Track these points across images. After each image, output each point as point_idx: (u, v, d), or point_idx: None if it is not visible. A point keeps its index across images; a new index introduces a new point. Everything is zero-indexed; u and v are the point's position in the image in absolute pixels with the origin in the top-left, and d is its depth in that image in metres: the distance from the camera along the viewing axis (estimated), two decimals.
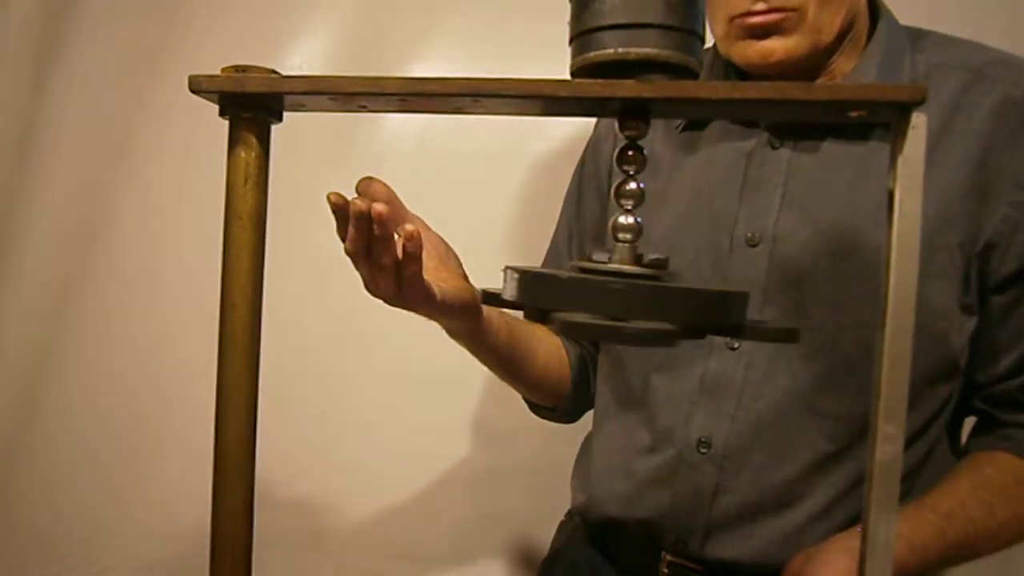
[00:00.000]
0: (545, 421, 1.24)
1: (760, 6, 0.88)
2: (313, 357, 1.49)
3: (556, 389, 1.17)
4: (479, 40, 1.52)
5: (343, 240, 0.81)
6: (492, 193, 1.50)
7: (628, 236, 0.55)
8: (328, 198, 0.78)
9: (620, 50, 0.50)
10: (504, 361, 1.07)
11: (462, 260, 0.95)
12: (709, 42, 0.88)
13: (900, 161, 0.51)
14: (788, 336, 0.55)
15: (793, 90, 0.50)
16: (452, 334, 0.98)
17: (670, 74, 0.51)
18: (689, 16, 0.51)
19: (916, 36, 0.97)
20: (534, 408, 1.23)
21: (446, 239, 0.95)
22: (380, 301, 0.87)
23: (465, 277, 0.94)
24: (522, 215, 1.50)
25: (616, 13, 0.50)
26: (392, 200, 0.84)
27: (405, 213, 0.87)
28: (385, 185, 0.84)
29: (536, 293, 0.51)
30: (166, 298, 1.56)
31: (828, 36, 0.89)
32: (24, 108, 1.63)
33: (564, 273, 0.52)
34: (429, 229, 0.92)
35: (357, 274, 0.85)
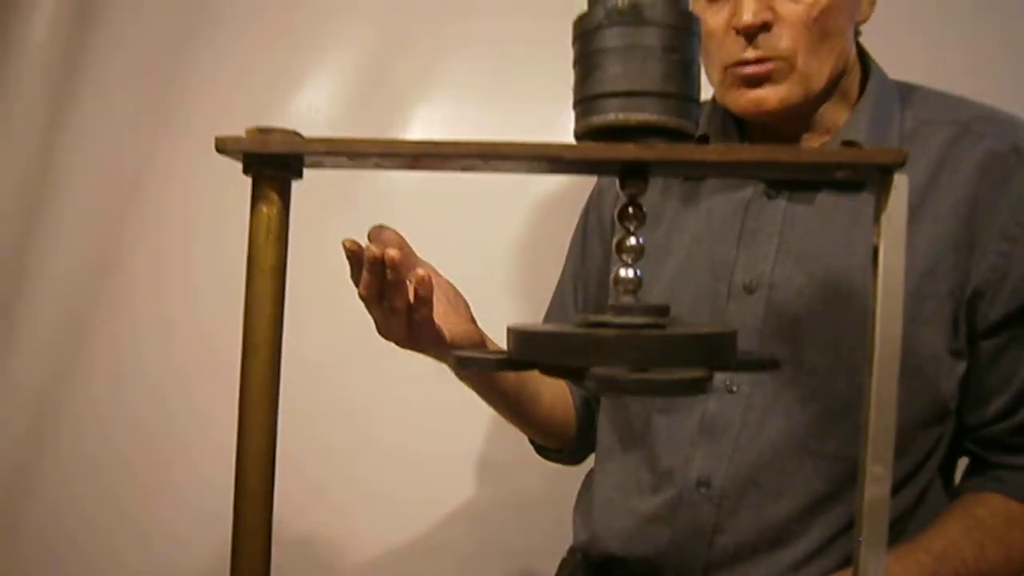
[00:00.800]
0: None
1: (751, 54, 0.92)
2: (320, 397, 1.52)
3: (562, 431, 1.20)
4: (483, 78, 1.57)
5: (356, 285, 0.85)
6: (496, 232, 1.54)
7: (629, 288, 0.58)
8: (343, 244, 0.82)
9: (621, 116, 0.54)
10: (511, 403, 1.11)
11: (470, 301, 0.99)
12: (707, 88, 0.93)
13: (883, 219, 0.54)
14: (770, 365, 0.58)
15: (783, 153, 0.53)
16: (460, 375, 1.01)
17: (668, 138, 0.55)
18: (685, 83, 0.55)
19: (906, 91, 1.01)
20: (540, 450, 1.25)
21: (453, 278, 0.98)
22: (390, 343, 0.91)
23: (473, 320, 0.98)
24: (526, 255, 1.53)
25: (617, 81, 0.54)
26: (403, 246, 0.88)
27: (416, 259, 0.91)
28: (396, 232, 0.88)
29: (538, 349, 0.55)
30: (176, 331, 1.61)
31: (818, 84, 0.93)
32: (39, 150, 1.68)
33: (563, 327, 0.55)
34: (439, 275, 0.96)
35: (365, 314, 0.89)
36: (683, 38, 0.55)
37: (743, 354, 0.62)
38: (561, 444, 1.22)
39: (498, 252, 1.54)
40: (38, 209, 1.67)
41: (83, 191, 1.66)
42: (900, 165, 0.52)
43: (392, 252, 0.81)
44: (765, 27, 0.91)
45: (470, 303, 0.99)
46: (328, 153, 0.56)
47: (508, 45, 1.54)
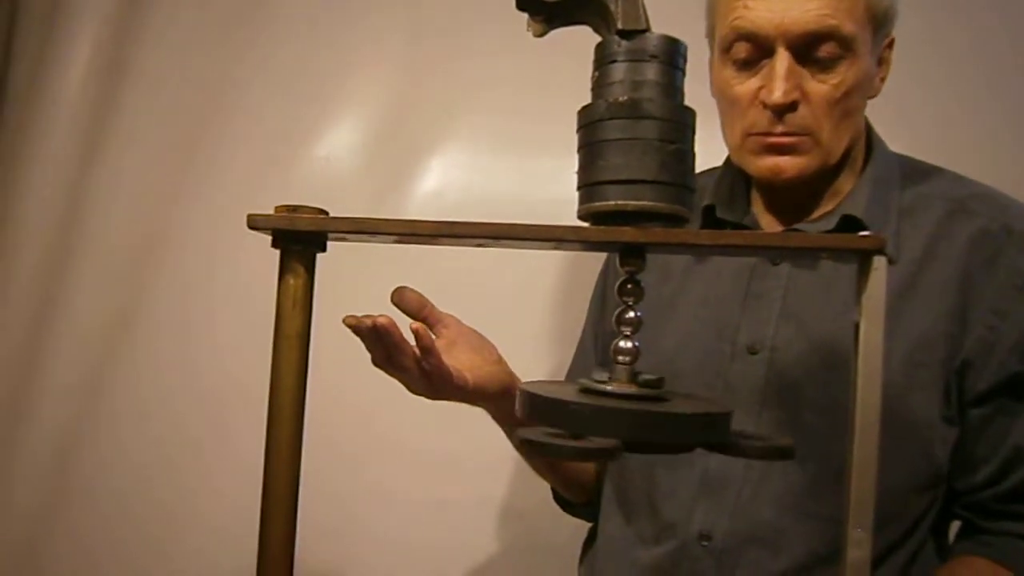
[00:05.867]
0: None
1: (779, 128, 0.95)
2: (338, 446, 1.56)
3: (588, 483, 1.23)
4: (496, 128, 1.63)
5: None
6: (524, 276, 1.57)
7: (627, 359, 0.63)
8: (344, 322, 0.88)
9: (620, 202, 0.58)
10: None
11: (510, 342, 1.05)
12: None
13: (864, 298, 0.58)
14: (783, 454, 0.62)
15: (771, 239, 0.58)
16: (498, 420, 1.07)
17: (664, 222, 0.59)
18: (679, 172, 0.59)
19: (908, 166, 1.05)
20: (564, 504, 1.29)
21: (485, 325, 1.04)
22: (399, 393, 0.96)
23: (501, 362, 1.03)
24: (556, 299, 1.57)
25: (617, 170, 0.59)
26: (425, 306, 0.96)
27: (439, 315, 0.98)
28: (415, 292, 0.95)
29: (542, 415, 0.59)
30: (203, 366, 1.66)
31: (835, 157, 0.98)
32: (68, 199, 1.76)
33: (566, 397, 0.59)
34: (460, 324, 1.01)
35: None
36: (679, 130, 0.60)
37: (754, 438, 0.65)
38: (586, 497, 1.25)
39: (528, 290, 1.58)
40: (67, 255, 1.75)
41: (111, 237, 1.73)
42: (878, 251, 0.57)
43: (381, 320, 0.87)
44: (792, 105, 0.94)
45: (503, 348, 1.05)
46: (352, 231, 0.61)
47: (521, 96, 1.59)
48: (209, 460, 1.62)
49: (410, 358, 0.90)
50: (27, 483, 1.71)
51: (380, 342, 0.89)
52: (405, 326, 0.91)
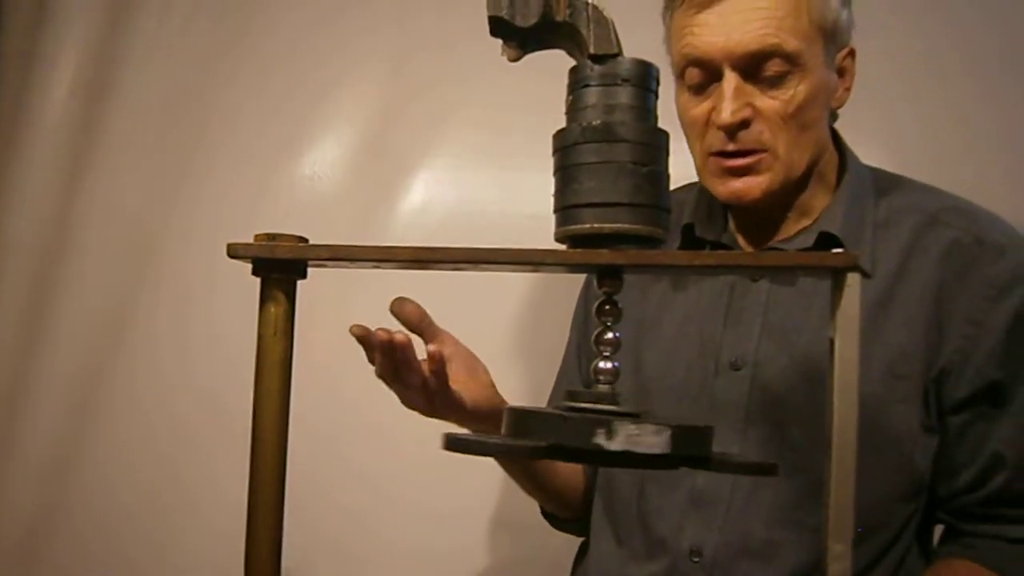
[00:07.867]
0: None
1: (731, 147, 0.96)
2: (334, 452, 1.56)
3: (575, 500, 1.23)
4: (480, 143, 1.63)
5: (372, 363, 0.91)
6: (504, 301, 1.57)
7: (607, 379, 0.63)
8: (351, 331, 0.88)
9: (596, 225, 0.59)
10: (529, 469, 1.15)
11: (492, 360, 1.05)
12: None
13: (839, 314, 0.59)
14: (767, 470, 0.63)
15: (745, 258, 0.59)
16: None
17: (639, 243, 0.60)
18: (654, 194, 0.60)
19: (881, 179, 1.06)
20: (553, 520, 1.29)
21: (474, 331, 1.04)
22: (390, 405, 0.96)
23: (492, 386, 1.04)
24: (532, 322, 1.58)
25: (592, 194, 0.59)
26: (423, 319, 0.95)
27: (436, 331, 0.97)
28: (416, 305, 0.95)
29: (527, 429, 0.60)
30: (201, 365, 1.67)
31: (797, 172, 0.98)
32: (54, 213, 1.77)
33: (550, 411, 0.60)
34: (458, 343, 1.02)
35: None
36: (652, 152, 0.60)
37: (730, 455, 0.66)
38: (573, 514, 1.25)
39: (508, 319, 1.58)
40: (52, 272, 1.76)
41: (98, 255, 1.74)
42: (851, 268, 0.58)
43: (399, 336, 0.88)
44: (744, 124, 0.95)
45: (489, 361, 1.05)
46: (331, 258, 0.62)
47: (504, 110, 1.59)
48: (208, 460, 1.62)
49: (417, 375, 0.91)
50: (24, 485, 1.72)
51: (390, 356, 0.89)
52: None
